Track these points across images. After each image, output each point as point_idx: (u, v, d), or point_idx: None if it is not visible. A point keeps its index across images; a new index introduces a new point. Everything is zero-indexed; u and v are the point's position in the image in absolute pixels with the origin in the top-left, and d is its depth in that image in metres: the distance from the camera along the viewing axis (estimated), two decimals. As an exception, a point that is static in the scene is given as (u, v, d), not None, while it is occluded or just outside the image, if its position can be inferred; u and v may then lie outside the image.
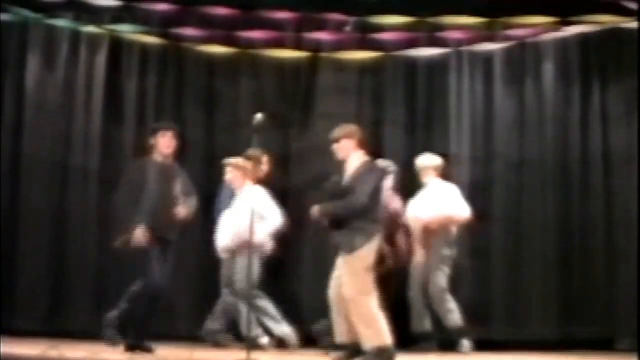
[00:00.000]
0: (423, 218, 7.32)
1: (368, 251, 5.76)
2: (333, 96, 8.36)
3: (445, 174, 7.57)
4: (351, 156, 5.94)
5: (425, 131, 8.33)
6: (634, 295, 7.45)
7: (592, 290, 7.88)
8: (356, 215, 5.75)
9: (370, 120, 8.26)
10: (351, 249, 5.75)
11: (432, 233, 7.32)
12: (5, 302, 7.95)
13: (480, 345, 7.50)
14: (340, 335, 6.01)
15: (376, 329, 5.69)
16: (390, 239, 6.77)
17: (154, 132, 6.45)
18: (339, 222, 5.82)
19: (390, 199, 7.00)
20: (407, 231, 7.26)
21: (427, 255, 7.34)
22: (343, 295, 5.81)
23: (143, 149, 6.54)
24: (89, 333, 7.60)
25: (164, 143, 6.36)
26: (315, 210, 5.89)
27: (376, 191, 5.87)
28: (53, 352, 6.03)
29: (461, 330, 7.26)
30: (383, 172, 6.28)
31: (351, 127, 6.04)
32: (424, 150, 8.15)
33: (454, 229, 7.42)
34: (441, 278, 7.31)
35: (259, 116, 6.13)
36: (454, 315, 7.28)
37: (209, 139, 8.40)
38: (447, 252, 7.35)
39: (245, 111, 7.92)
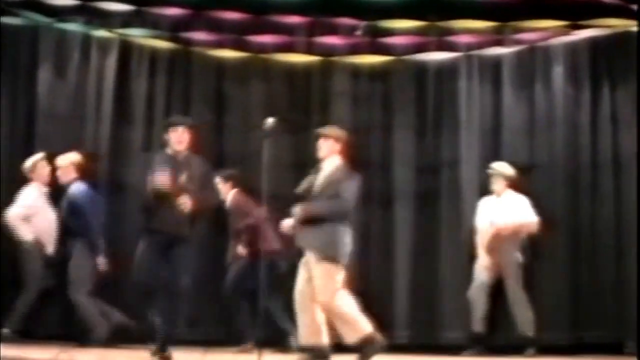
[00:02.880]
0: (497, 224, 7.61)
1: (345, 254, 5.89)
2: (343, 100, 8.39)
3: (515, 185, 7.74)
4: (330, 158, 6.05)
5: (435, 135, 8.35)
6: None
7: (601, 294, 7.87)
8: (339, 217, 5.88)
9: (381, 124, 8.33)
10: (330, 252, 5.84)
11: (502, 240, 7.58)
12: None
13: (491, 351, 7.57)
14: (305, 337, 5.97)
15: (354, 323, 5.85)
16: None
17: (166, 127, 6.33)
18: (316, 222, 5.88)
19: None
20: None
21: (494, 261, 7.63)
22: (319, 300, 5.86)
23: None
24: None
25: (175, 138, 6.21)
26: (300, 209, 5.91)
27: (356, 197, 6.01)
28: (64, 357, 6.06)
29: (531, 339, 7.52)
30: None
31: (340, 131, 6.17)
32: (433, 154, 8.29)
33: (523, 236, 7.70)
34: (519, 284, 7.60)
35: (270, 121, 6.17)
36: (530, 324, 7.55)
37: (219, 143, 8.42)
38: (519, 258, 7.64)
39: (256, 116, 7.90)
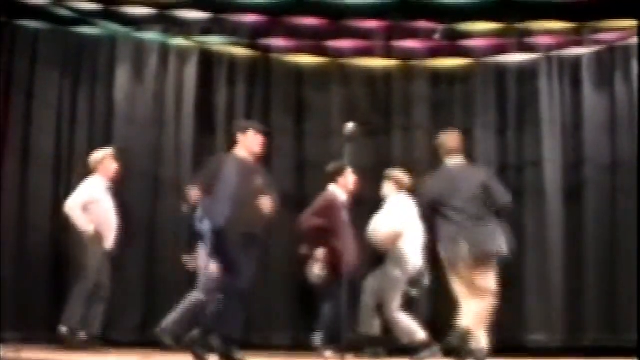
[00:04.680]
0: (372, 232, 7.25)
1: None
2: (423, 104, 8.39)
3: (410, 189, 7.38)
4: None
5: (516, 136, 8.34)
6: None
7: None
8: None
9: (462, 126, 8.29)
10: None
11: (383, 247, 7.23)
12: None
13: (573, 352, 7.58)
14: None
15: None
16: None
17: (244, 129, 6.49)
18: None
19: None
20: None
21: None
22: None
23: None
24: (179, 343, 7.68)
25: (257, 142, 6.42)
26: None
27: None
28: None
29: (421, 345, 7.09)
30: None
31: None
32: (515, 155, 8.29)
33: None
34: (391, 299, 7.19)
35: (350, 126, 6.17)
36: (410, 334, 7.11)
37: (299, 148, 8.45)
38: (395, 270, 7.19)
39: (336, 121, 8.02)
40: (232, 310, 6.12)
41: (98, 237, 7.37)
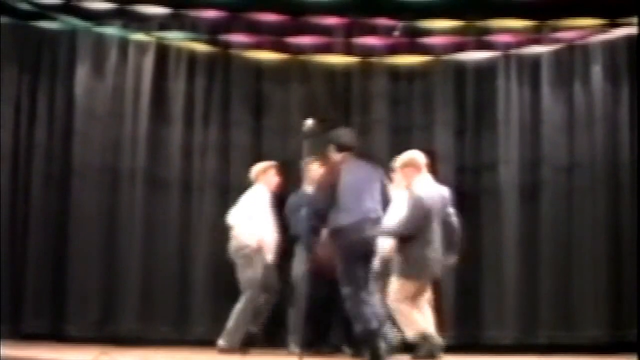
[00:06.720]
0: None
1: None
2: (383, 101, 8.40)
3: None
4: None
5: (474, 134, 8.34)
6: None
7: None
8: None
9: (420, 124, 8.34)
10: None
11: None
12: (56, 307, 8.03)
13: (528, 349, 7.61)
14: None
15: None
16: None
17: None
18: None
19: None
20: None
21: None
22: None
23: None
24: (139, 339, 7.71)
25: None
26: None
27: None
28: (104, 358, 6.07)
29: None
30: None
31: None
32: (473, 153, 8.28)
33: None
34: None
35: (309, 122, 6.18)
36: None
37: (258, 145, 8.44)
38: None
39: (295, 117, 7.97)
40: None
41: (260, 250, 7.25)
